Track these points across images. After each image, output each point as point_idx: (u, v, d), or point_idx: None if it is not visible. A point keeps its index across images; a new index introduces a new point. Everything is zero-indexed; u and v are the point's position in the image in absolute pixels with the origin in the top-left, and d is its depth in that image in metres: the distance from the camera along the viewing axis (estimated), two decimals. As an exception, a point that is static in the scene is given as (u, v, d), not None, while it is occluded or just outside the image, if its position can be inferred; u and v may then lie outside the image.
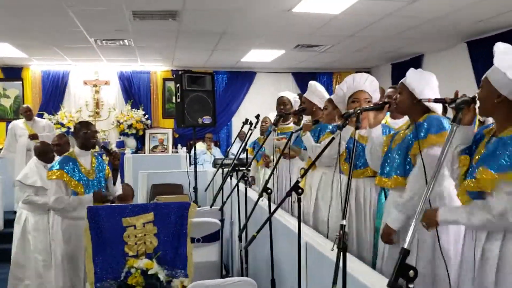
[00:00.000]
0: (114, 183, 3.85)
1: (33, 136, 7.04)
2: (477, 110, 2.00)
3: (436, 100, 2.05)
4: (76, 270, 3.62)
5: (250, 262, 3.68)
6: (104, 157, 4.10)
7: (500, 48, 1.93)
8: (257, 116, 3.74)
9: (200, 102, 5.78)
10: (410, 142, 2.46)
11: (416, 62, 8.54)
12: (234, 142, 7.15)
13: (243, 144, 4.09)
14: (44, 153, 4.68)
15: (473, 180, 1.89)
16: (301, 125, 3.93)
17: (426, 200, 1.32)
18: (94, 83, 9.80)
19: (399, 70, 8.92)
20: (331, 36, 7.08)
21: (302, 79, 10.07)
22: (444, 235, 2.32)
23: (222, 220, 4.25)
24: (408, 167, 2.47)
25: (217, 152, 9.15)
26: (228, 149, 6.67)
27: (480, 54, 6.76)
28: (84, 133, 3.74)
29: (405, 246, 1.23)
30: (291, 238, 2.51)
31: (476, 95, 1.95)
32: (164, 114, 10.15)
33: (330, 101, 3.66)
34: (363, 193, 3.03)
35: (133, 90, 9.98)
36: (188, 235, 3.33)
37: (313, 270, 2.52)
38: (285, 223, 2.99)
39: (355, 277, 1.89)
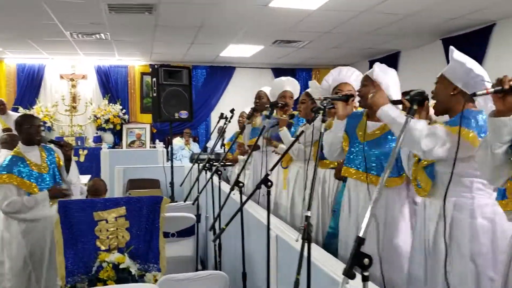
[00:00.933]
0: (67, 172, 3.72)
1: (6, 130, 6.91)
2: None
3: (394, 102, 2.13)
4: (37, 274, 3.52)
5: (225, 256, 3.69)
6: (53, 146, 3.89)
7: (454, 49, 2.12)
8: (232, 110, 3.74)
9: (177, 97, 5.75)
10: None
11: (393, 58, 8.63)
12: (218, 138, 7.10)
13: (218, 139, 4.08)
14: (10, 144, 4.55)
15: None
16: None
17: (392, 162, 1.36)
18: (70, 77, 9.65)
19: (376, 67, 9.00)
20: (309, 32, 7.11)
21: (281, 74, 9.98)
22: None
23: (198, 215, 4.25)
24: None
25: (196, 148, 9.12)
26: (206, 144, 6.66)
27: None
28: (28, 128, 3.54)
29: (360, 234, 1.25)
30: (263, 232, 2.52)
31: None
32: (142, 109, 10.06)
33: (307, 94, 3.68)
34: (328, 183, 3.07)
35: (111, 84, 9.87)
36: (161, 229, 3.31)
37: (284, 262, 2.54)
38: (257, 216, 3.00)
39: (319, 267, 1.91)
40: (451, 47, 2.16)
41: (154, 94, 5.78)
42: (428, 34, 7.23)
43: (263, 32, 7.16)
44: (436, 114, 2.17)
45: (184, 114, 5.76)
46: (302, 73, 10.66)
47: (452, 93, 2.07)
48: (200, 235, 4.56)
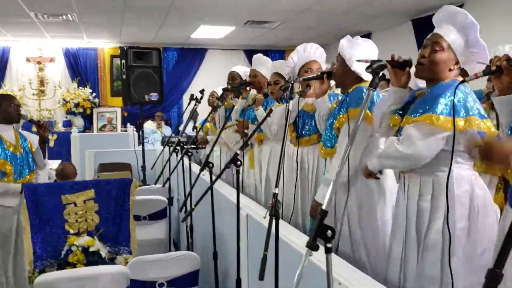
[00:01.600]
0: (44, 156, 3.67)
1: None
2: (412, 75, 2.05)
3: (359, 61, 2.03)
4: (4, 260, 3.45)
5: (197, 237, 3.69)
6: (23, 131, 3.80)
7: None
8: (202, 91, 3.70)
9: (147, 79, 5.67)
10: (335, 115, 2.52)
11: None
12: (188, 120, 7.02)
13: (188, 120, 4.05)
14: None
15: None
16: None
17: (344, 161, 1.34)
18: (38, 60, 9.38)
19: (348, 48, 9.05)
20: (281, 12, 7.06)
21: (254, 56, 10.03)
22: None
23: (170, 198, 4.23)
24: (333, 140, 2.52)
25: (168, 131, 9.02)
26: (179, 127, 6.59)
27: (424, 32, 6.87)
28: (7, 107, 3.48)
29: (323, 207, 1.25)
30: (234, 211, 2.52)
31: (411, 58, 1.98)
32: (112, 92, 9.89)
33: (279, 75, 3.66)
34: (307, 161, 3.06)
35: (80, 67, 9.65)
36: (131, 211, 3.28)
37: (254, 240, 2.54)
38: (228, 196, 2.99)
39: (287, 243, 1.92)
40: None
41: (124, 76, 5.68)
42: (399, 15, 7.28)
43: (234, 13, 7.08)
44: (419, 76, 2.08)
45: (154, 96, 5.68)
46: (275, 55, 10.61)
47: (451, 67, 1.98)
48: (173, 217, 4.54)
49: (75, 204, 3.18)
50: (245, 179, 3.85)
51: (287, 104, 2.05)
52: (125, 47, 5.75)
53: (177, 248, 4.81)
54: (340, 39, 2.60)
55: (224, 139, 4.09)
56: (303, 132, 3.10)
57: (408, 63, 2.01)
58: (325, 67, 3.21)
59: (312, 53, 3.11)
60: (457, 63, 1.97)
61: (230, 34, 8.71)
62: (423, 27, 7.05)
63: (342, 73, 2.55)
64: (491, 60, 1.66)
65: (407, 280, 2.01)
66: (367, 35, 8.72)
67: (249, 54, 10.21)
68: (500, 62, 1.59)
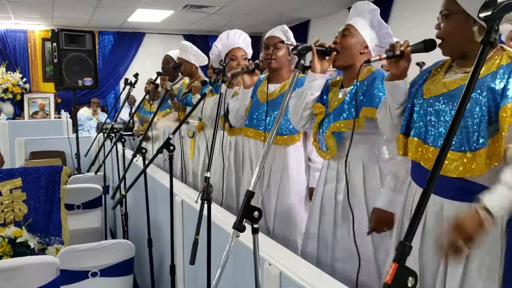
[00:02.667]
0: None
1: None
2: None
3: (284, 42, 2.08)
4: None
5: (134, 224, 3.62)
6: None
7: None
8: (136, 75, 3.59)
9: (80, 63, 5.45)
10: None
11: (304, 27, 8.80)
12: (122, 105, 6.84)
13: (122, 106, 3.93)
14: None
15: None
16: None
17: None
18: (-40, 43, 8.78)
19: (287, 35, 9.15)
20: (220, -3, 7.01)
21: (194, 41, 9.79)
22: None
23: (105, 186, 4.11)
24: None
25: (104, 117, 8.74)
26: (116, 114, 6.40)
27: (360, 19, 7.15)
28: None
29: (250, 188, 1.26)
30: (169, 197, 2.49)
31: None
32: (45, 77, 9.42)
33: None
34: (242, 147, 3.06)
35: (8, 50, 9.12)
36: (62, 200, 3.15)
37: (190, 227, 2.53)
38: (163, 182, 2.95)
39: (220, 226, 1.92)
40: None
41: (55, 61, 5.42)
42: (335, 3, 7.41)
43: (172, -4, 6.94)
44: (336, 66, 2.14)
45: (88, 81, 5.48)
46: (215, 40, 10.52)
47: (362, 51, 2.09)
48: (109, 205, 4.43)
49: (1, 193, 3.02)
50: (186, 166, 3.81)
51: (220, 88, 2.04)
52: (56, 30, 5.48)
53: (114, 237, 4.71)
54: (279, 25, 2.61)
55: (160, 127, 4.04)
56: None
57: (332, 50, 2.06)
58: (250, 51, 3.20)
59: (236, 39, 3.09)
60: (366, 47, 2.07)
61: (169, 18, 8.53)
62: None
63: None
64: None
65: None
66: (305, 22, 8.85)
67: (189, 38, 10.04)
68: (404, 48, 1.65)
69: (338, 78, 2.23)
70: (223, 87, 2.04)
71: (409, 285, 0.83)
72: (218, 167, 3.09)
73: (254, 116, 2.69)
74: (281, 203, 2.52)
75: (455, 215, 1.36)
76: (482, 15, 1.05)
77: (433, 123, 1.57)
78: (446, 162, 1.47)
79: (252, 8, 7.78)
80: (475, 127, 1.42)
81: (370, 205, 2.00)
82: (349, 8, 7.44)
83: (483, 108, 1.42)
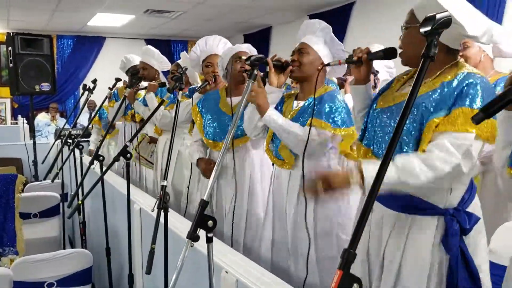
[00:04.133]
0: None
1: None
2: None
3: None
4: None
5: (92, 233, 3.56)
6: None
7: None
8: (94, 81, 3.54)
9: (37, 68, 5.30)
10: None
11: (265, 33, 8.87)
12: (80, 111, 6.69)
13: (80, 112, 3.86)
14: None
15: None
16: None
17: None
18: None
19: (250, 41, 9.20)
20: (181, 2, 6.98)
21: (156, 46, 9.69)
22: None
23: (63, 194, 4.01)
24: None
25: (63, 123, 8.55)
26: (75, 120, 6.27)
27: (321, 27, 7.28)
28: None
29: (204, 197, 1.27)
30: (126, 205, 2.46)
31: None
32: (0, 82, 9.13)
33: (178, 65, 3.60)
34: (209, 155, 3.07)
35: (-40, 54, 8.81)
36: (17, 209, 3.07)
37: (149, 236, 2.50)
38: (121, 190, 2.91)
39: (178, 235, 1.92)
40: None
41: (11, 65, 5.26)
42: (296, 10, 7.52)
43: (132, 1, 6.86)
44: (293, 77, 2.21)
45: (46, 86, 5.33)
46: (178, 45, 10.48)
47: (319, 67, 2.10)
48: (67, 214, 4.32)
49: (-49, 204, 2.91)
50: (147, 173, 3.78)
51: (177, 95, 2.04)
52: (12, 33, 5.32)
53: (73, 246, 4.60)
54: (242, 32, 2.63)
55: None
56: None
57: (288, 66, 2.12)
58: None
59: (214, 46, 3.01)
60: (322, 63, 2.13)
61: (130, 22, 8.44)
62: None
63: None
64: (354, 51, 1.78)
65: None
66: (267, 29, 8.92)
67: (151, 43, 9.94)
68: (361, 54, 1.71)
69: (293, 92, 2.29)
70: (180, 94, 2.04)
71: (354, 291, 0.86)
72: (185, 175, 3.10)
73: (220, 130, 2.68)
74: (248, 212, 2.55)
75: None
76: (422, 30, 1.10)
77: (378, 134, 1.63)
78: None
79: (214, 14, 7.79)
80: (404, 138, 1.49)
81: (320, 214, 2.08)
82: (310, 16, 7.62)
83: (411, 121, 1.48)
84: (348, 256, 0.87)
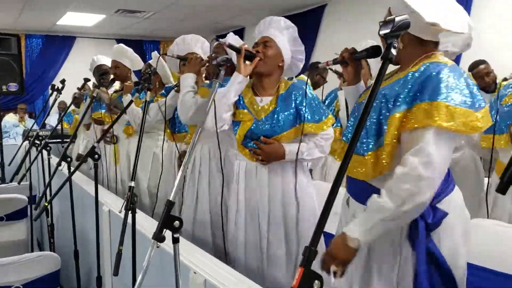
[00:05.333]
0: None
1: None
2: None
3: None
4: None
5: (61, 236, 3.49)
6: None
7: None
8: (63, 81, 3.47)
9: (4, 68, 5.19)
10: None
11: (238, 34, 8.85)
12: (48, 112, 6.57)
13: (48, 113, 3.79)
14: None
15: None
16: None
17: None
18: None
19: (223, 42, 9.21)
20: (154, 2, 6.92)
21: (127, 45, 9.67)
22: None
23: (32, 196, 3.93)
24: None
25: (32, 124, 8.37)
26: (43, 120, 6.14)
27: (293, 28, 7.35)
28: None
29: (170, 198, 1.27)
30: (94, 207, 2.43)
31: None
32: (-34, 81, 8.87)
33: (150, 66, 3.57)
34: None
35: None
36: (-19, 212, 2.99)
37: (118, 237, 2.48)
38: (90, 192, 2.87)
39: (147, 237, 1.90)
40: None
41: (-24, 65, 5.14)
42: (270, 12, 7.55)
43: (103, 0, 6.77)
44: (257, 72, 2.21)
45: (13, 86, 5.22)
46: (150, 45, 10.39)
47: (279, 64, 2.17)
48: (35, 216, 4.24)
49: None
50: (112, 173, 3.73)
51: (145, 95, 2.03)
52: (-24, 32, 5.20)
53: (41, 249, 4.51)
54: (215, 33, 2.61)
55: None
56: (180, 128, 3.09)
57: (256, 56, 2.12)
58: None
59: (192, 45, 3.00)
60: (282, 60, 2.16)
61: (101, 22, 8.33)
62: (293, 23, 7.42)
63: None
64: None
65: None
66: (240, 30, 8.93)
67: (122, 43, 9.82)
68: (345, 54, 1.73)
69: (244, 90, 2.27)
70: (148, 94, 2.03)
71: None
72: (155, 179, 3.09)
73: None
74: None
75: (331, 243, 1.44)
76: (381, 32, 1.12)
77: (351, 129, 1.65)
78: (352, 164, 1.54)
79: (187, 14, 7.76)
80: (368, 130, 1.48)
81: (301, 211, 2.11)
82: (283, 17, 7.66)
83: (374, 113, 1.47)
84: (310, 254, 0.88)
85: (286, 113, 2.11)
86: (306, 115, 2.08)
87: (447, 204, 1.46)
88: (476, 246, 1.85)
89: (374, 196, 1.39)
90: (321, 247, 1.80)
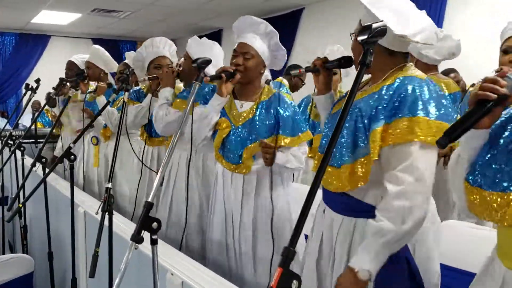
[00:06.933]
0: None
1: None
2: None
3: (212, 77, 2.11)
4: None
5: (35, 238, 3.43)
6: None
7: None
8: (37, 81, 3.42)
9: (-24, 66, 5.08)
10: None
11: (216, 35, 8.88)
12: (22, 112, 6.43)
13: (22, 113, 3.73)
14: None
15: None
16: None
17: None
18: None
19: (200, 43, 9.19)
20: (130, 2, 6.87)
21: (103, 46, 9.53)
22: None
23: (3, 197, 3.85)
24: None
25: (4, 124, 8.18)
26: (16, 120, 6.01)
27: (271, 31, 7.39)
28: None
29: (149, 199, 1.27)
30: (70, 209, 2.39)
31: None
32: None
33: (126, 66, 3.54)
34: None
35: None
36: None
37: (93, 239, 2.45)
38: (66, 193, 2.84)
39: (123, 238, 1.89)
40: None
41: None
42: (247, 14, 7.49)
43: (79, -1, 6.70)
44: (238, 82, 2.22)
45: (-15, 85, 5.11)
46: (126, 45, 10.30)
47: (261, 71, 2.18)
48: (7, 217, 4.15)
49: None
50: (91, 175, 3.69)
51: (123, 95, 2.02)
52: None
53: (13, 251, 4.42)
54: (193, 34, 2.63)
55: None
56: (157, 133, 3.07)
57: (236, 73, 2.11)
58: (175, 60, 3.17)
59: (161, 48, 3.00)
60: (264, 66, 2.17)
61: (76, 21, 8.21)
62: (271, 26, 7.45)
63: (188, 70, 2.61)
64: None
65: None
66: (218, 31, 8.93)
67: (98, 43, 9.69)
68: (317, 62, 1.74)
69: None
70: (126, 95, 2.02)
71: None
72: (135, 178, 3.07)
73: None
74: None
75: (338, 279, 1.42)
76: (359, 39, 1.15)
77: (325, 140, 1.67)
78: (326, 176, 1.55)
79: (164, 15, 7.72)
80: (343, 143, 1.49)
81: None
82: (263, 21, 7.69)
83: (350, 125, 1.48)
84: (288, 254, 0.90)
85: (265, 122, 2.11)
86: (283, 128, 2.08)
87: None
88: (448, 247, 1.91)
89: (370, 220, 1.39)
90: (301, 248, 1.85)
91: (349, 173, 1.45)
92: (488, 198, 1.07)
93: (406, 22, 1.41)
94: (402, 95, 1.40)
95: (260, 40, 2.14)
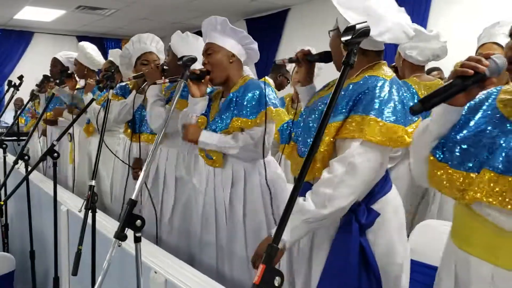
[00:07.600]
0: None
1: None
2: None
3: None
4: None
5: (16, 236, 3.39)
6: None
7: None
8: (20, 77, 3.38)
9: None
10: None
11: (201, 34, 8.86)
12: (4, 109, 6.34)
13: (4, 110, 3.68)
14: None
15: None
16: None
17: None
18: None
19: (186, 42, 9.17)
20: (115, 0, 6.82)
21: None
22: None
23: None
24: None
25: (-15, 121, 8.06)
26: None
27: (257, 31, 7.38)
28: None
29: (133, 197, 1.27)
30: (52, 207, 2.37)
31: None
32: None
33: (112, 63, 3.53)
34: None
35: None
36: None
37: (76, 237, 2.43)
38: (48, 191, 2.81)
39: (107, 236, 1.89)
40: None
41: None
42: (233, 14, 7.57)
43: (63, -5, 6.63)
44: (215, 84, 2.22)
45: (-34, 81, 5.03)
46: (111, 43, 10.21)
47: (230, 60, 2.16)
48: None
49: None
50: (70, 173, 3.66)
51: (108, 93, 2.01)
52: None
53: (-6, 250, 4.36)
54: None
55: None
56: (143, 129, 3.05)
57: (204, 74, 2.12)
58: (162, 57, 3.15)
59: (148, 44, 2.98)
60: (233, 55, 2.15)
61: (60, 18, 8.12)
62: (256, 26, 7.48)
63: (173, 67, 2.59)
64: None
65: None
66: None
67: (83, 40, 9.60)
68: (299, 54, 1.77)
69: (217, 90, 2.31)
70: (111, 92, 2.01)
71: (276, 284, 0.90)
72: (119, 175, 3.05)
73: None
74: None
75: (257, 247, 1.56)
76: (343, 39, 1.16)
77: (300, 131, 1.68)
78: (295, 166, 1.63)
79: (149, 13, 7.69)
80: (311, 135, 1.55)
81: (249, 211, 2.13)
82: (246, 20, 7.70)
83: (318, 119, 1.54)
84: (271, 251, 0.91)
85: (228, 110, 2.11)
86: (238, 109, 2.08)
87: (382, 204, 1.53)
88: (426, 245, 1.93)
89: (299, 198, 1.45)
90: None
91: (311, 163, 1.49)
92: (452, 176, 1.13)
93: (376, 22, 1.41)
94: (362, 93, 1.43)
95: (217, 33, 2.15)
